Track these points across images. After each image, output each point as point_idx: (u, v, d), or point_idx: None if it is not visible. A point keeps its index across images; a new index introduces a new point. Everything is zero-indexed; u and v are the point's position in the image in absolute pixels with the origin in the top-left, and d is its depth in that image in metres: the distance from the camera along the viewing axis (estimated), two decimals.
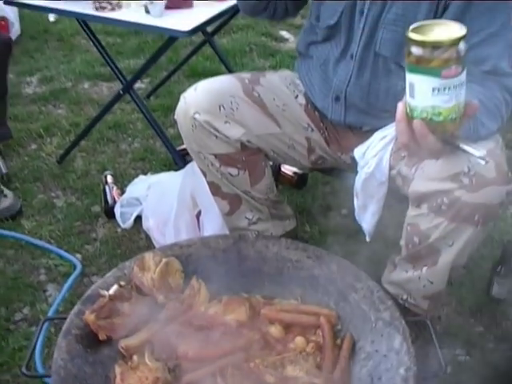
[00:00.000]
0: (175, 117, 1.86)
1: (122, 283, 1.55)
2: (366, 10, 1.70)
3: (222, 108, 1.75)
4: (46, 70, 3.63)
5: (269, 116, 1.82)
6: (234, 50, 3.80)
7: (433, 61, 1.19)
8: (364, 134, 1.81)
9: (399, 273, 1.75)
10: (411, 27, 1.23)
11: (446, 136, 1.27)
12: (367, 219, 1.82)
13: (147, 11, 2.15)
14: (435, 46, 1.19)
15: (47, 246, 2.34)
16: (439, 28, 1.24)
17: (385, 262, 1.86)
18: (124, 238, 2.38)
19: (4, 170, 2.68)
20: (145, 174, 2.64)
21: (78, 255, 2.31)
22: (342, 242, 2.34)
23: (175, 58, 3.53)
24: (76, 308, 1.52)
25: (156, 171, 2.68)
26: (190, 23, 2.11)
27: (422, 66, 1.20)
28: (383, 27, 1.68)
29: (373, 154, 1.72)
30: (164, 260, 1.59)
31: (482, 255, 2.31)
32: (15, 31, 3.90)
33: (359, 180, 1.76)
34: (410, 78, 1.23)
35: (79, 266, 2.22)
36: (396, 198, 1.79)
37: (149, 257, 1.60)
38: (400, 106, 1.28)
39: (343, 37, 1.76)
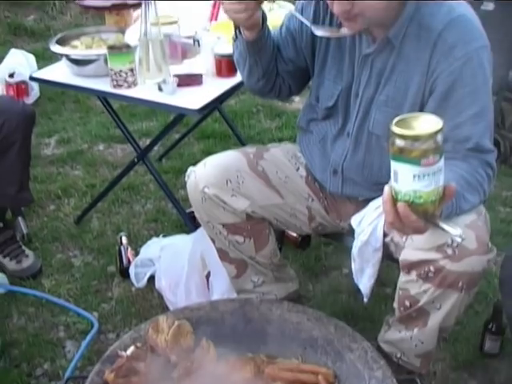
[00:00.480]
0: (187, 185, 2.03)
1: (138, 344, 1.69)
2: (360, 93, 1.87)
3: (229, 182, 1.93)
4: (63, 132, 3.80)
5: (272, 188, 1.99)
6: (242, 112, 3.97)
7: (413, 152, 1.34)
8: (360, 203, 1.96)
9: (393, 333, 1.88)
10: (394, 120, 1.39)
11: (427, 216, 1.42)
12: (364, 282, 1.95)
13: (160, 89, 2.32)
14: (415, 138, 1.34)
15: (66, 304, 2.48)
16: (419, 121, 1.40)
17: (381, 320, 2.00)
18: (138, 297, 2.53)
19: (25, 231, 2.85)
20: (157, 235, 2.80)
21: (95, 313, 2.45)
22: (342, 301, 2.50)
23: (185, 120, 3.71)
24: (96, 367, 1.66)
25: (168, 232, 2.83)
26: (200, 101, 2.28)
27: (403, 156, 1.36)
28: (376, 108, 1.84)
29: (368, 222, 1.87)
30: (176, 323, 1.73)
31: (476, 312, 2.45)
32: (34, 94, 4.10)
33: (356, 246, 1.91)
34: (394, 165, 1.39)
35: (96, 324, 2.36)
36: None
37: (162, 320, 1.74)
38: (386, 189, 1.44)
39: (340, 117, 1.93)
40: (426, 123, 1.38)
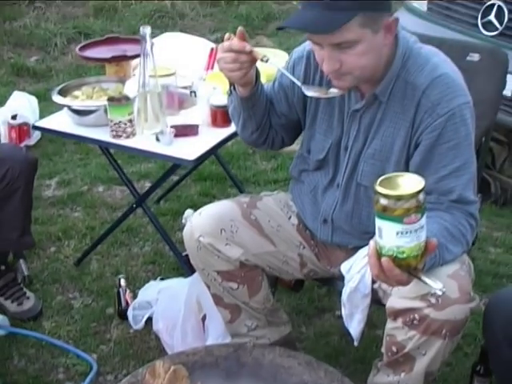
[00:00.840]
0: (183, 234, 2.11)
1: None
2: (349, 146, 1.97)
3: (223, 231, 2.01)
4: (64, 173, 3.86)
5: (264, 236, 2.07)
6: (238, 153, 4.05)
7: (396, 210, 1.43)
8: (350, 250, 2.04)
9: (381, 376, 1.95)
10: (379, 180, 1.48)
11: (409, 269, 1.51)
12: (354, 326, 2.02)
13: (158, 139, 2.41)
14: (398, 198, 1.43)
15: (66, 346, 2.55)
16: (402, 180, 1.48)
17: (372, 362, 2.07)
18: (136, 339, 2.60)
19: (26, 273, 2.91)
20: (155, 277, 2.87)
21: (94, 355, 2.51)
22: (334, 343, 2.57)
23: None
24: None
25: (165, 274, 2.91)
26: (196, 152, 2.38)
27: (387, 214, 1.44)
28: (364, 161, 1.94)
29: (357, 270, 1.95)
30: (172, 367, 1.80)
31: (465, 353, 2.52)
32: (36, 136, 4.17)
33: (345, 292, 1.98)
34: (378, 222, 1.47)
35: (95, 366, 2.42)
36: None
37: (159, 364, 1.81)
38: (371, 243, 1.53)
39: (331, 168, 2.03)
40: (409, 182, 1.47)
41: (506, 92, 3.64)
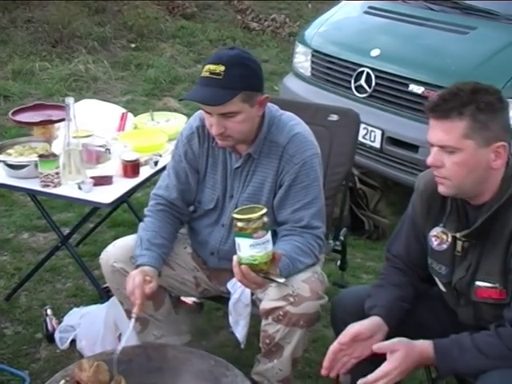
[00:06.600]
0: (100, 261, 2.62)
1: (68, 379, 2.26)
2: (234, 195, 2.54)
3: (132, 259, 2.52)
4: None
5: (165, 263, 2.59)
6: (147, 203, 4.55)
7: (248, 229, 2.02)
8: None
9: (261, 366, 2.50)
10: (235, 210, 2.07)
11: (262, 272, 2.10)
12: (239, 331, 2.56)
13: (80, 188, 2.93)
14: (248, 220, 2.02)
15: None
16: (252, 209, 2.07)
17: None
18: (62, 357, 3.05)
19: None
20: (77, 307, 3.33)
21: (26, 371, 2.91)
22: (228, 351, 3.08)
23: (99, 211, 4.15)
24: None
25: (86, 305, 3.37)
26: (111, 197, 2.92)
27: (242, 233, 2.03)
28: (240, 202, 2.50)
29: (239, 285, 2.49)
30: (96, 363, 2.30)
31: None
32: None
33: (231, 303, 2.53)
34: (237, 240, 2.06)
35: (28, 379, 2.82)
36: None
37: (85, 361, 2.32)
38: (234, 257, 2.12)
39: (216, 213, 2.59)
40: (256, 210, 2.06)
41: (376, 144, 4.36)
